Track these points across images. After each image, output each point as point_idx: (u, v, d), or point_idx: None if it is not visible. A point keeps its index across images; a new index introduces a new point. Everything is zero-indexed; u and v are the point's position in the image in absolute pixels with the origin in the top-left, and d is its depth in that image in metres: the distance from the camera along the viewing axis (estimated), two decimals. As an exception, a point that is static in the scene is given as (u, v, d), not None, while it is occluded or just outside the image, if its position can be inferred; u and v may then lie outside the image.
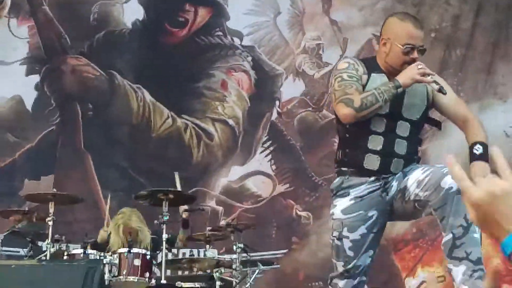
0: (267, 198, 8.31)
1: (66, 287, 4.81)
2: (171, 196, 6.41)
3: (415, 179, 3.76)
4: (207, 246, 6.94)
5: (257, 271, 6.70)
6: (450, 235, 3.64)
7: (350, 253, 3.92)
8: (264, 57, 8.62)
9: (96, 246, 6.73)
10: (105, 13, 8.63)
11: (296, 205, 8.24)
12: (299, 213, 8.22)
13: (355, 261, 3.92)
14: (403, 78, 3.80)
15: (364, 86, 3.91)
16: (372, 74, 3.97)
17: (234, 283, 6.56)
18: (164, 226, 6.31)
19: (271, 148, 8.42)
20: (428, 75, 3.77)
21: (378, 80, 3.91)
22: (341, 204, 3.96)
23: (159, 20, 8.68)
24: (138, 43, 8.58)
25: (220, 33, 8.65)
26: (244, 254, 6.65)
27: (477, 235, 3.66)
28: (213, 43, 8.61)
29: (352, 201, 3.92)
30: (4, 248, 6.69)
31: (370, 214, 3.89)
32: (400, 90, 3.81)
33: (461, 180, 1.43)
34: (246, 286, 6.65)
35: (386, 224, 4.11)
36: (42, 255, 6.28)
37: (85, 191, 7.73)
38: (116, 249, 6.56)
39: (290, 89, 8.60)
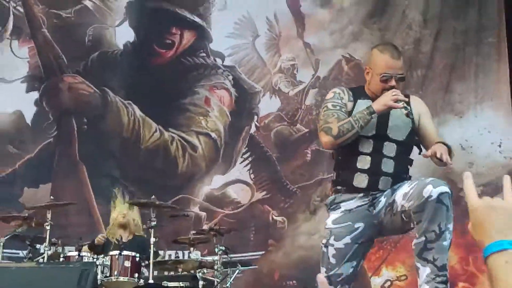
0: (246, 204, 8.29)
1: (62, 287, 4.75)
2: (156, 203, 6.42)
3: (402, 193, 3.72)
4: (191, 248, 6.92)
5: (236, 271, 6.68)
6: (423, 238, 3.59)
7: (332, 261, 3.85)
8: (243, 76, 8.62)
9: (92, 247, 6.72)
10: (99, 35, 8.60)
11: (273, 210, 8.23)
12: (275, 218, 8.21)
13: (336, 268, 3.85)
14: (377, 104, 3.82)
15: (350, 112, 3.91)
16: (358, 101, 3.96)
17: (215, 282, 6.53)
18: (152, 230, 6.30)
19: (250, 159, 8.41)
20: (401, 101, 3.77)
21: (364, 106, 3.89)
22: (332, 216, 3.92)
23: (148, 42, 8.66)
24: (129, 63, 8.55)
25: (203, 54, 8.64)
26: (225, 256, 6.64)
27: (446, 243, 3.65)
28: (197, 63, 8.60)
29: (342, 213, 3.88)
30: (5, 250, 6.60)
31: (356, 226, 3.83)
32: (374, 115, 3.81)
33: (470, 190, 1.51)
34: (227, 285, 6.63)
35: (373, 239, 4.08)
36: (40, 257, 6.27)
37: (79, 198, 7.69)
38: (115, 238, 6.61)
39: (267, 105, 8.60)
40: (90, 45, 8.58)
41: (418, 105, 4.05)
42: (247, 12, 8.71)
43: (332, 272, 3.86)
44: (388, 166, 3.88)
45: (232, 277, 6.63)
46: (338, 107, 3.91)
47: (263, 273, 7.89)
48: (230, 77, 8.60)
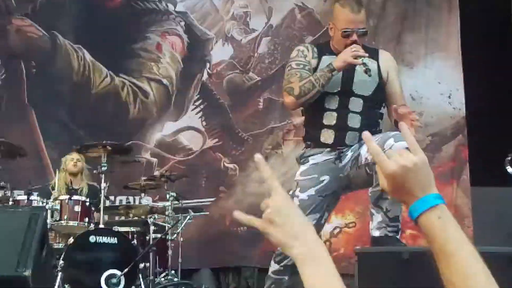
0: (198, 151, 8.26)
1: (12, 231, 4.69)
2: (108, 148, 6.37)
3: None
4: (142, 194, 6.93)
5: (187, 217, 6.72)
6: (379, 187, 3.67)
7: None
8: (196, 23, 8.52)
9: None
10: (49, -24, 8.39)
11: (224, 158, 8.23)
12: (226, 165, 8.22)
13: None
14: (337, 61, 3.86)
15: (315, 69, 3.94)
16: (323, 57, 4.00)
17: (166, 227, 6.56)
18: (103, 176, 6.27)
19: (202, 106, 8.37)
20: (360, 57, 3.79)
21: (329, 61, 3.92)
22: (301, 169, 4.01)
23: (99, -16, 8.48)
24: (78, 6, 8.36)
25: (155, -2, 8.52)
26: (176, 202, 6.66)
27: None
28: (148, 8, 8.47)
29: (309, 166, 3.96)
30: None
31: (321, 178, 3.91)
32: (335, 73, 3.85)
33: (377, 154, 1.48)
34: (178, 230, 6.66)
35: (339, 193, 4.09)
36: (-13, 201, 6.20)
37: (28, 142, 7.57)
38: (62, 190, 6.57)
39: (220, 53, 8.52)
40: (39, -13, 8.36)
41: (387, 61, 4.10)
42: (200, -44, 8.59)
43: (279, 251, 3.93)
44: (354, 121, 3.94)
45: (183, 223, 6.67)
46: (301, 66, 3.96)
47: (214, 219, 7.91)
48: (182, 23, 8.50)
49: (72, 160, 6.92)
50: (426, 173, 1.47)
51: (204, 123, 8.33)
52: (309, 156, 4.00)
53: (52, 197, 6.34)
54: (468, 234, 7.78)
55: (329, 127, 3.97)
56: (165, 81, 8.34)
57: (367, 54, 3.87)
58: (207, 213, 7.48)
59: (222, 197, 8.14)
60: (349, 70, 3.94)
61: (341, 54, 3.87)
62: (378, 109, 4.09)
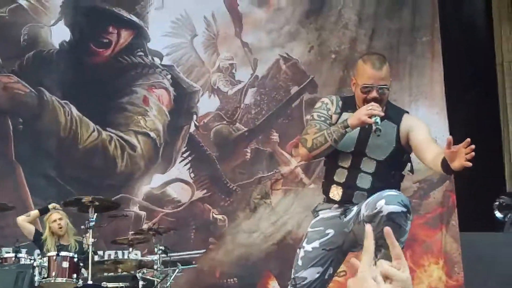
0: (186, 203, 8.20)
1: (-2, 290, 4.61)
2: (96, 203, 6.32)
3: (366, 202, 3.69)
4: (130, 248, 6.85)
5: (177, 270, 6.64)
6: (375, 242, 3.59)
7: (299, 263, 3.84)
8: (182, 75, 8.54)
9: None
10: (34, 34, 8.38)
11: (213, 209, 8.17)
12: (215, 216, 8.15)
13: (301, 271, 3.82)
14: (351, 118, 3.73)
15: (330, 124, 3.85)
16: (344, 113, 3.88)
17: (155, 282, 6.47)
18: (91, 231, 6.20)
19: (190, 158, 8.33)
20: (375, 116, 3.65)
21: (347, 118, 3.83)
22: (311, 222, 3.96)
23: (84, 41, 8.47)
24: (65, 62, 8.37)
25: (141, 53, 8.52)
26: (165, 255, 6.57)
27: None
28: (135, 62, 8.48)
29: (317, 220, 3.90)
30: None
31: (327, 232, 3.82)
32: (349, 129, 3.71)
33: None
34: (167, 285, 6.56)
35: (345, 250, 4.00)
36: (-25, 259, 6.11)
37: (16, 198, 7.53)
38: (51, 247, 6.49)
39: (206, 105, 8.52)
40: (26, 44, 8.37)
41: (407, 122, 3.88)
42: (184, 11, 8.62)
43: (297, 274, 3.85)
44: (364, 181, 3.83)
45: (172, 276, 6.59)
46: (322, 118, 3.85)
47: (204, 271, 7.84)
48: (169, 76, 8.51)
49: (55, 222, 6.78)
50: None
51: (192, 175, 8.28)
52: (319, 210, 3.92)
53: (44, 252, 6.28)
54: (458, 280, 7.71)
55: (338, 184, 3.86)
56: (152, 134, 8.30)
57: (382, 114, 3.69)
58: (196, 265, 7.40)
59: (211, 249, 8.06)
60: (366, 131, 3.83)
61: (357, 111, 3.73)
62: (396, 171, 3.94)
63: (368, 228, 1.58)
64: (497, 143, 8.66)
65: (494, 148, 8.61)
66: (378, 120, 3.67)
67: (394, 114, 3.90)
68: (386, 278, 1.50)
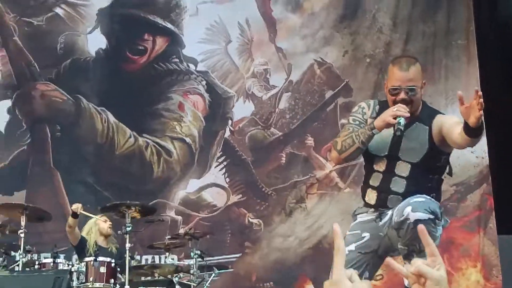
0: (222, 207, 8.20)
1: (37, 294, 4.64)
2: (133, 208, 6.32)
3: (396, 208, 3.67)
4: (167, 253, 6.84)
5: (213, 274, 6.62)
6: (407, 248, 3.59)
7: None
8: (217, 81, 8.54)
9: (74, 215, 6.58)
10: (71, 42, 8.47)
11: (248, 213, 8.15)
12: (251, 220, 8.13)
13: None
14: (377, 120, 3.73)
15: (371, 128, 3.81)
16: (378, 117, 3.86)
17: (192, 286, 6.45)
18: (127, 236, 6.20)
19: (225, 163, 8.33)
20: (398, 116, 3.62)
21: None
22: (351, 225, 3.95)
23: (120, 48, 8.54)
24: (101, 69, 8.43)
25: (176, 60, 8.55)
26: (201, 260, 6.55)
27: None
28: (170, 69, 8.51)
29: (355, 223, 3.91)
30: None
31: (363, 235, 3.81)
32: (375, 131, 3.71)
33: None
34: (203, 289, 6.55)
35: (381, 254, 3.95)
36: (15, 264, 6.14)
37: (54, 205, 7.58)
38: (92, 251, 6.51)
39: (241, 110, 8.51)
40: (62, 53, 8.45)
41: (440, 119, 3.82)
42: (218, 17, 8.64)
43: None
44: (398, 185, 3.80)
45: (209, 281, 6.57)
46: (357, 122, 3.85)
47: (240, 275, 7.82)
48: (204, 82, 8.51)
49: (106, 222, 6.82)
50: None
51: (227, 180, 8.28)
52: (357, 214, 3.93)
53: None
54: (496, 283, 7.59)
55: (373, 188, 3.87)
56: (188, 139, 8.32)
57: (407, 114, 3.65)
58: (232, 270, 7.39)
59: (247, 253, 8.05)
60: (399, 136, 3.75)
61: (383, 113, 3.73)
62: (433, 175, 3.89)
63: (336, 227, 1.53)
64: (534, 145, 8.54)
65: (532, 150, 8.49)
66: (401, 120, 3.64)
67: (426, 116, 3.85)
68: (420, 276, 1.48)
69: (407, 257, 3.62)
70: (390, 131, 3.79)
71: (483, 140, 8.12)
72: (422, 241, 1.56)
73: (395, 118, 3.63)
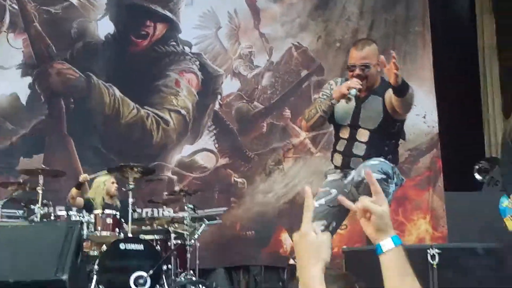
0: (212, 169, 8.17)
1: (51, 242, 4.60)
2: (135, 169, 6.30)
3: (357, 169, 3.67)
4: (164, 207, 6.85)
5: (203, 225, 6.62)
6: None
7: None
8: (208, 62, 8.47)
9: (78, 186, 6.54)
10: (83, 28, 8.35)
11: (234, 174, 8.13)
12: (236, 179, 8.12)
13: None
14: (334, 91, 3.73)
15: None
16: None
17: (185, 235, 6.45)
18: (130, 193, 6.21)
19: (215, 131, 8.29)
20: (351, 88, 3.61)
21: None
22: (323, 183, 3.93)
23: (126, 33, 8.43)
24: (109, 51, 8.33)
25: (174, 43, 8.46)
26: (193, 212, 6.56)
27: None
28: (168, 51, 8.43)
29: (326, 181, 3.90)
30: (4, 210, 6.52)
31: (331, 191, 3.78)
32: (334, 101, 3.71)
33: (363, 202, 1.55)
34: (195, 236, 6.54)
35: (347, 208, 3.91)
36: (34, 216, 6.13)
37: (68, 166, 7.53)
38: (98, 206, 6.49)
39: (229, 86, 8.44)
40: (76, 37, 8.34)
41: (390, 92, 3.71)
42: (210, 7, 8.55)
43: None
44: (359, 149, 3.79)
45: (200, 230, 6.57)
46: (324, 96, 3.84)
47: (226, 226, 7.83)
48: (197, 63, 8.44)
49: (114, 184, 6.77)
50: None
51: (216, 145, 8.25)
52: (328, 174, 3.95)
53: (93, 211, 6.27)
54: (443, 232, 7.64)
55: (339, 152, 3.87)
56: (183, 111, 8.26)
57: (359, 86, 3.63)
58: (220, 221, 7.42)
59: (233, 207, 8.04)
60: (357, 106, 3.78)
61: (340, 85, 3.74)
62: (388, 140, 3.86)
63: (306, 189, 1.57)
64: (478, 117, 8.55)
65: (476, 121, 8.50)
66: (352, 91, 3.62)
67: (380, 89, 3.81)
68: (366, 211, 1.47)
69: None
70: (352, 103, 3.76)
71: (434, 113, 8.12)
72: (368, 182, 1.56)
73: (348, 90, 3.61)
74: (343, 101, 3.73)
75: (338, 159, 3.87)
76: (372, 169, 3.46)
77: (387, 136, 3.86)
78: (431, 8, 8.49)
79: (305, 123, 3.90)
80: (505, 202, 4.63)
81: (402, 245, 1.45)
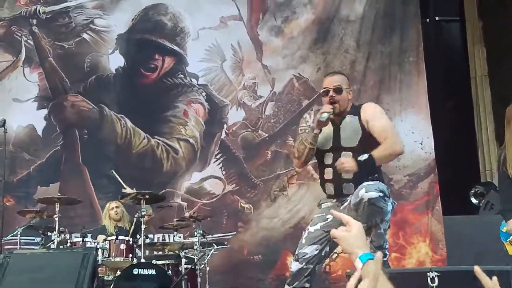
0: (219, 195, 8.19)
1: (68, 268, 4.64)
2: (147, 196, 6.32)
3: (354, 193, 3.63)
4: (175, 232, 6.84)
5: (212, 250, 6.62)
6: (365, 224, 3.49)
7: (303, 241, 3.79)
8: (214, 93, 8.53)
9: (103, 230, 6.61)
10: (96, 62, 8.45)
11: (241, 199, 8.15)
12: (243, 205, 8.13)
13: (304, 248, 3.76)
14: (316, 122, 3.79)
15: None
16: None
17: (195, 259, 6.44)
18: (142, 219, 6.21)
19: (222, 159, 8.32)
20: (323, 113, 3.69)
21: (328, 129, 3.85)
22: (316, 211, 3.92)
23: (135, 66, 8.52)
24: (120, 83, 8.41)
25: (181, 75, 8.53)
26: (203, 238, 6.55)
27: (380, 231, 3.58)
28: (176, 83, 8.50)
29: (321, 209, 3.87)
30: (23, 237, 6.57)
31: (327, 217, 3.75)
32: (316, 131, 3.74)
33: (342, 216, 1.72)
34: (205, 261, 6.54)
35: None
36: (51, 243, 6.14)
37: (83, 194, 7.57)
38: (111, 231, 6.52)
39: (234, 116, 8.49)
40: (89, 70, 8.43)
41: (365, 112, 3.83)
42: (215, 40, 8.63)
43: (300, 250, 3.78)
44: (347, 174, 3.73)
45: (209, 255, 6.56)
46: (306, 130, 3.90)
47: (234, 250, 7.82)
48: (204, 94, 8.50)
49: (112, 210, 6.83)
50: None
51: (223, 172, 8.27)
52: (322, 203, 3.90)
53: (103, 238, 6.29)
54: (442, 255, 7.63)
55: (328, 181, 3.82)
56: (191, 140, 8.31)
57: (330, 110, 3.71)
58: (228, 245, 7.39)
59: (240, 231, 8.04)
60: (335, 129, 3.80)
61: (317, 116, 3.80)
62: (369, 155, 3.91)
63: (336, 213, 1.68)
64: (473, 143, 8.58)
65: (470, 147, 8.53)
66: (325, 115, 3.70)
67: (354, 109, 3.88)
68: (335, 238, 1.64)
69: (367, 232, 3.61)
70: (330, 128, 3.80)
71: (431, 139, 8.16)
72: (336, 217, 1.74)
73: (320, 115, 3.71)
74: (324, 129, 3.79)
75: (330, 188, 3.83)
76: (370, 188, 3.49)
77: (367, 153, 3.76)
78: (425, 39, 8.58)
79: (297, 161, 3.87)
80: (505, 227, 4.65)
81: (373, 259, 1.53)
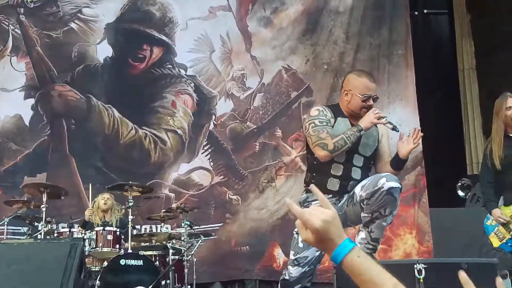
0: (207, 186, 8.18)
1: (56, 259, 4.60)
2: (134, 187, 6.32)
3: (360, 185, 3.62)
4: (162, 223, 6.85)
5: (200, 241, 6.63)
6: (370, 215, 3.53)
7: (300, 245, 3.74)
8: (203, 84, 8.50)
9: (84, 224, 6.64)
10: (83, 52, 8.39)
11: (229, 191, 8.15)
12: (231, 197, 8.13)
13: (303, 252, 3.73)
14: (364, 123, 3.67)
15: (332, 128, 3.78)
16: (338, 118, 3.82)
17: (182, 250, 6.46)
18: (130, 210, 6.21)
19: (210, 150, 8.31)
20: (383, 117, 3.65)
21: (342, 123, 3.79)
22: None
23: (124, 56, 8.46)
24: (108, 74, 8.36)
25: (170, 66, 8.50)
26: (190, 229, 6.57)
27: (385, 224, 3.57)
28: (164, 73, 8.47)
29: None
30: (10, 227, 6.60)
31: None
32: (362, 132, 3.69)
33: (301, 215, 1.41)
34: (192, 252, 6.55)
35: None
36: (38, 233, 6.13)
37: (70, 184, 7.53)
38: (98, 222, 6.51)
39: (223, 107, 8.47)
40: (76, 60, 8.37)
41: (381, 128, 3.88)
42: (204, 31, 8.60)
43: (300, 255, 3.75)
44: (356, 173, 3.78)
45: (196, 246, 6.57)
46: (324, 123, 3.76)
47: (221, 241, 7.83)
48: (192, 85, 8.48)
49: (103, 199, 6.83)
50: (339, 223, 1.41)
51: (211, 164, 8.26)
52: (313, 200, 3.70)
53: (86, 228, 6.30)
54: (428, 247, 7.68)
55: (335, 176, 3.77)
56: (179, 131, 8.29)
57: (387, 116, 3.72)
58: (216, 236, 7.40)
59: (227, 223, 8.04)
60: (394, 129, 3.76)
61: (366, 117, 3.66)
62: (372, 165, 3.92)
63: (288, 201, 1.49)
64: (459, 135, 8.64)
65: (457, 139, 8.58)
66: (387, 118, 3.69)
67: None
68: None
69: (367, 224, 3.59)
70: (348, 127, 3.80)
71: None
72: (318, 198, 1.48)
73: (378, 119, 3.64)
74: (342, 125, 3.79)
75: (335, 184, 3.77)
76: (391, 178, 3.50)
77: (372, 161, 3.93)
78: (413, 31, 8.59)
79: (326, 154, 3.67)
80: (489, 220, 4.70)
81: (354, 248, 1.37)
